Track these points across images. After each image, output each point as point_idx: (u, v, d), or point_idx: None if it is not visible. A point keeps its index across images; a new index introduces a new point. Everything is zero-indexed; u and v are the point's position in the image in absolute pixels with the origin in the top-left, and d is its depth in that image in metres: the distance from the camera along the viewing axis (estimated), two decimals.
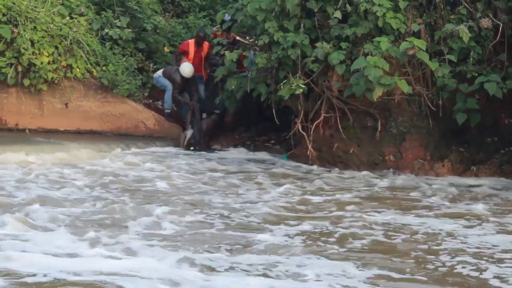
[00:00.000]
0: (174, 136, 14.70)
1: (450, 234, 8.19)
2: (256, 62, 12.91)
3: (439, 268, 6.98)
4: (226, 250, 7.31)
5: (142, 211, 8.78)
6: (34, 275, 6.33)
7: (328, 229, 8.30)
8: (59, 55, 14.34)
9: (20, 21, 14.04)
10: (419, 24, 12.20)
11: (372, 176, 11.95)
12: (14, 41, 14.00)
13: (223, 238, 7.78)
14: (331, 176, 11.90)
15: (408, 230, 8.33)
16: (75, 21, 14.74)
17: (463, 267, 7.01)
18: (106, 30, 15.29)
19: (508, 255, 7.41)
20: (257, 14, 12.69)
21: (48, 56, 14.18)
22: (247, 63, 13.73)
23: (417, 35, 12.10)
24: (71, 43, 14.43)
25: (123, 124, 14.65)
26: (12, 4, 14.10)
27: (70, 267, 6.49)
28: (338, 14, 12.32)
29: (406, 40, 11.77)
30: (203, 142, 14.53)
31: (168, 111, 14.93)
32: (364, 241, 7.81)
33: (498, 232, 8.37)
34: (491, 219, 9.00)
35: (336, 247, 7.57)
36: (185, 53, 15.14)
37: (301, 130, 12.74)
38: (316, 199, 9.95)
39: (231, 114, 15.14)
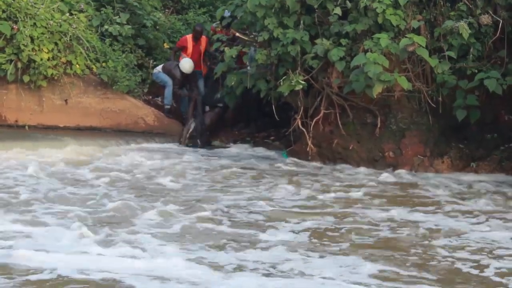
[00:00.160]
0: (173, 133, 14.71)
1: (455, 231, 8.22)
2: (256, 59, 12.92)
3: (445, 264, 7.02)
4: (234, 248, 7.31)
5: (149, 209, 8.75)
6: (41, 272, 6.34)
7: (333, 226, 8.34)
8: (59, 51, 14.33)
9: (20, 18, 14.03)
10: (419, 21, 12.21)
11: (375, 172, 11.95)
12: (13, 37, 13.98)
13: (231, 235, 7.78)
14: (335, 173, 11.92)
15: (413, 226, 8.37)
16: (75, 17, 14.73)
17: (467, 263, 7.06)
18: (106, 27, 15.29)
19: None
20: (257, 11, 12.69)
21: (47, 53, 14.17)
22: (247, 59, 13.72)
23: (417, 31, 12.10)
24: (70, 40, 14.42)
25: (122, 120, 14.64)
26: (12, 1, 14.09)
27: (77, 265, 6.49)
28: (338, 11, 12.33)
29: (406, 37, 11.78)
30: (204, 137, 14.53)
31: (168, 107, 14.93)
32: (370, 237, 7.86)
33: (507, 229, 8.38)
34: (497, 215, 9.02)
35: (342, 243, 7.60)
36: (184, 49, 15.14)
37: (300, 127, 12.75)
38: (321, 196, 9.97)
39: (231, 110, 15.15)
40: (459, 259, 7.20)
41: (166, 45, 16.07)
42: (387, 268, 6.79)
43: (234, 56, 13.68)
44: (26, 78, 14.15)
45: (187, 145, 14.33)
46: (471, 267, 6.96)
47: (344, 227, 8.24)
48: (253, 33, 13.75)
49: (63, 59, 14.39)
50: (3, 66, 14.05)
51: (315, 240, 7.70)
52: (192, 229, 8.00)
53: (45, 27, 14.20)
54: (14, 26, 13.97)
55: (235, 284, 6.20)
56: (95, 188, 10.03)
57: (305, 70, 12.61)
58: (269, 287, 6.21)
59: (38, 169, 10.97)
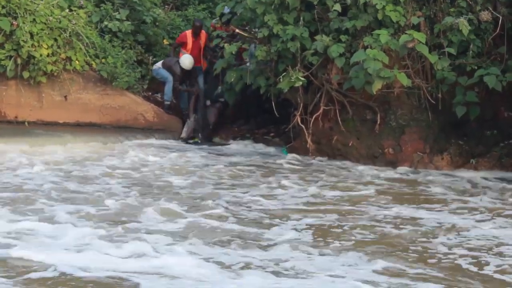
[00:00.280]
0: (173, 129, 14.71)
1: (461, 228, 8.24)
2: (255, 55, 12.91)
3: (451, 262, 7.03)
4: (240, 245, 7.30)
5: (153, 206, 8.68)
6: (44, 270, 6.33)
7: (338, 223, 8.34)
8: (58, 47, 14.33)
9: (19, 14, 14.01)
10: (418, 17, 12.20)
11: (376, 169, 11.96)
12: (13, 33, 13.97)
13: (237, 233, 7.76)
14: (336, 169, 11.93)
15: (418, 224, 8.38)
16: (74, 13, 14.72)
17: (472, 260, 7.06)
18: (106, 23, 15.28)
19: None
20: (257, 7, 12.70)
21: (47, 49, 14.16)
22: (248, 55, 13.72)
23: (416, 28, 12.11)
24: (70, 36, 14.41)
25: (122, 116, 14.64)
26: None
27: (82, 263, 6.47)
28: (337, 7, 12.33)
29: (406, 33, 11.78)
30: (205, 132, 14.51)
31: (168, 103, 14.91)
32: (375, 234, 7.86)
33: None
34: (502, 212, 9.03)
35: (347, 240, 7.61)
36: (183, 45, 15.12)
37: (300, 123, 12.75)
38: (325, 193, 9.98)
39: (231, 106, 15.13)
40: (464, 256, 7.21)
41: (165, 42, 16.06)
42: (393, 265, 6.80)
43: (233, 53, 13.67)
44: (25, 74, 14.14)
45: (187, 142, 14.31)
46: (476, 264, 6.96)
47: (349, 224, 8.24)
48: (253, 30, 13.73)
49: (63, 55, 14.38)
50: (2, 62, 14.04)
51: (321, 238, 7.69)
52: (198, 227, 7.97)
53: (45, 23, 14.19)
54: (13, 22, 13.96)
55: (243, 283, 6.19)
56: (100, 185, 10.00)
57: (305, 66, 12.61)
58: (279, 287, 6.20)
59: (42, 166, 10.95)
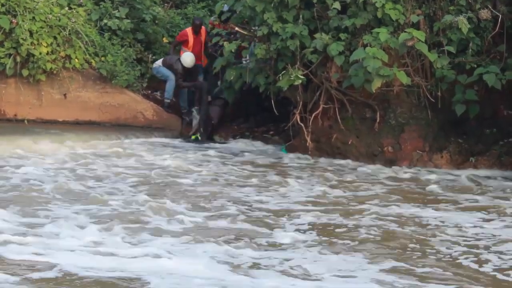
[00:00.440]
0: (172, 127, 14.71)
1: (467, 227, 8.26)
2: (255, 53, 12.91)
3: (459, 261, 7.05)
4: (249, 246, 7.29)
5: (160, 205, 8.66)
6: (49, 269, 6.31)
7: (341, 222, 8.35)
8: (58, 45, 14.33)
9: (19, 12, 14.02)
10: (418, 15, 12.21)
11: (376, 167, 11.97)
12: (12, 31, 13.98)
13: (244, 233, 7.76)
14: (337, 168, 11.93)
15: (419, 222, 8.40)
16: (74, 11, 14.73)
17: (479, 260, 7.08)
18: (105, 21, 15.27)
19: None
20: (256, 5, 12.70)
21: (46, 47, 14.16)
22: (247, 54, 13.71)
23: (416, 26, 12.12)
24: (69, 34, 14.42)
25: (121, 114, 14.64)
26: None
27: (88, 263, 6.47)
28: (337, 5, 12.33)
29: (405, 31, 11.80)
30: (207, 129, 14.45)
31: (168, 101, 14.90)
32: (377, 234, 7.86)
33: None
34: (509, 211, 9.02)
35: (349, 240, 7.62)
36: (184, 42, 15.10)
37: (299, 121, 12.74)
38: (329, 191, 9.99)
39: (230, 105, 15.11)
40: (471, 254, 7.22)
41: (165, 40, 16.05)
42: (401, 265, 6.81)
43: (233, 51, 13.66)
44: (25, 72, 14.15)
45: (187, 141, 14.27)
46: (484, 264, 6.97)
47: (353, 224, 8.25)
48: (252, 28, 13.73)
49: (62, 53, 14.39)
50: (2, 60, 14.06)
51: (327, 238, 7.70)
52: (205, 226, 7.98)
53: (44, 21, 14.20)
54: (13, 20, 13.97)
55: (254, 283, 6.19)
56: (103, 183, 9.99)
57: (304, 64, 12.61)
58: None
59: (42, 165, 10.94)
